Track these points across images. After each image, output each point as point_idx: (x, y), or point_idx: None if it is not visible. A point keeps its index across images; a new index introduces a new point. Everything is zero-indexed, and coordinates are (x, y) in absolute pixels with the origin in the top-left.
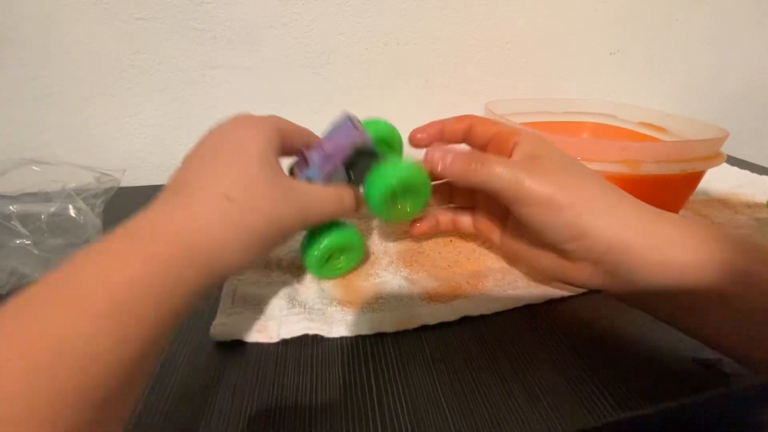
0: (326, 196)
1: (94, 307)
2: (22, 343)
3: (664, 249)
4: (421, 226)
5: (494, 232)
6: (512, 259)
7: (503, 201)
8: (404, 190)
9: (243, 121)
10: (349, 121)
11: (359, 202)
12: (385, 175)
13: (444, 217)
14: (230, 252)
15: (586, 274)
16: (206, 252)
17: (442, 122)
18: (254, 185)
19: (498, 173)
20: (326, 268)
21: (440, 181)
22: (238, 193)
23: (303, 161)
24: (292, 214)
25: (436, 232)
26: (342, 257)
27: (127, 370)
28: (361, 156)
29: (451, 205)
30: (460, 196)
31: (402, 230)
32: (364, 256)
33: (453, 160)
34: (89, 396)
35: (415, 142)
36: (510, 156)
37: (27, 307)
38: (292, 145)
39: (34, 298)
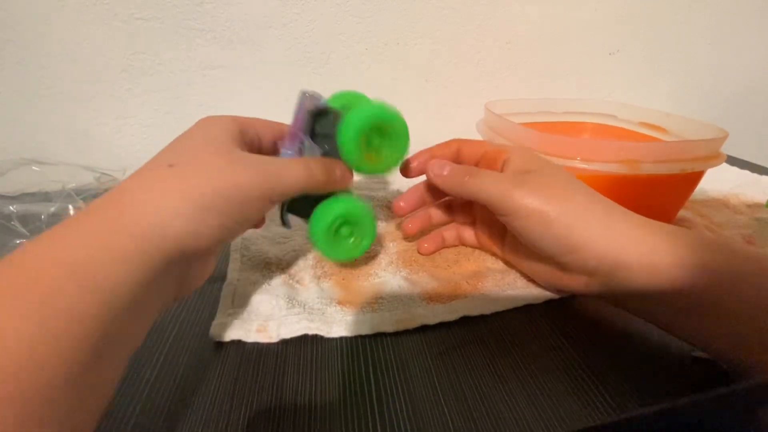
0: (291, 163)
1: (18, 303)
2: None
3: (652, 256)
4: (428, 246)
5: (495, 246)
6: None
7: (495, 212)
8: (378, 133)
9: (201, 120)
10: (303, 95)
11: (338, 171)
12: (352, 117)
13: (449, 233)
14: (180, 218)
15: (583, 284)
16: (148, 221)
17: (430, 150)
18: (199, 153)
19: (488, 185)
20: (336, 244)
21: (442, 200)
22: (181, 160)
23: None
24: (250, 179)
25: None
26: (352, 234)
27: (76, 361)
28: (319, 119)
29: (455, 219)
30: (460, 213)
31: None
32: (375, 236)
33: (448, 172)
34: (20, 405)
35: (407, 172)
36: (501, 172)
37: None
38: (257, 135)
39: None
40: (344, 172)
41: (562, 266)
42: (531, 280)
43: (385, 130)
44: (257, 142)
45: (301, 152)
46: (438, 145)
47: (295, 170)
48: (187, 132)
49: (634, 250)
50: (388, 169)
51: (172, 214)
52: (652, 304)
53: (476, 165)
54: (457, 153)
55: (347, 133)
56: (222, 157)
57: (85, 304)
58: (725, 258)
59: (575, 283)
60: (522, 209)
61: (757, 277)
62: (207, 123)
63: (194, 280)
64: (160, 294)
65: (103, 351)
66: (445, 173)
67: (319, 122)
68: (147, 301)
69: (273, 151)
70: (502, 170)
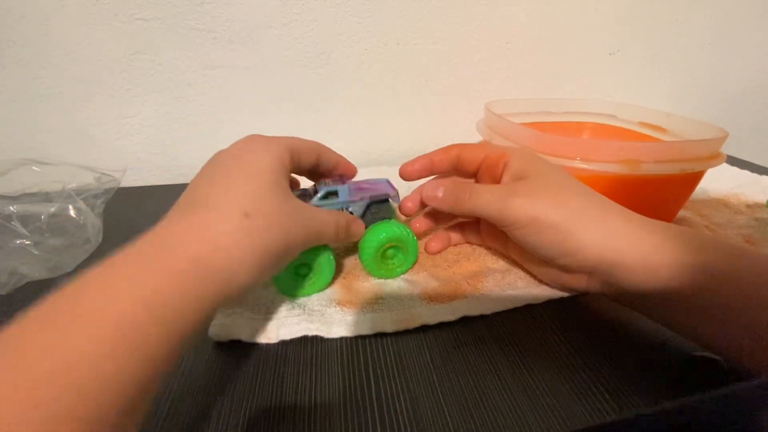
0: (329, 222)
1: (101, 331)
2: (23, 374)
3: (651, 255)
4: (435, 245)
5: (499, 245)
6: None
7: (495, 224)
8: (392, 247)
9: (254, 142)
10: (387, 181)
11: (354, 228)
12: (371, 236)
13: (455, 233)
14: (246, 271)
15: (585, 283)
16: (224, 271)
17: (429, 156)
18: (269, 204)
19: (485, 202)
20: (294, 283)
21: None
22: (255, 210)
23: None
24: (300, 235)
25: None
26: (310, 273)
27: (134, 394)
28: (381, 204)
29: (460, 219)
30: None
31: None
32: (332, 277)
33: (444, 194)
34: (94, 424)
35: (405, 176)
36: (500, 177)
37: (28, 331)
38: (300, 160)
39: (36, 321)
40: (358, 230)
41: (563, 267)
42: (531, 279)
43: (398, 247)
44: (298, 164)
45: (351, 201)
46: (437, 151)
47: (329, 230)
48: (242, 156)
49: (632, 250)
50: (397, 276)
51: (241, 267)
52: (653, 302)
53: (477, 170)
54: (456, 159)
55: (367, 249)
56: (286, 208)
57: (155, 336)
58: (725, 257)
59: (577, 282)
60: (518, 222)
61: (757, 276)
62: (262, 150)
63: None
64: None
65: (158, 374)
66: (440, 195)
67: (378, 205)
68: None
69: (311, 170)
70: (502, 173)
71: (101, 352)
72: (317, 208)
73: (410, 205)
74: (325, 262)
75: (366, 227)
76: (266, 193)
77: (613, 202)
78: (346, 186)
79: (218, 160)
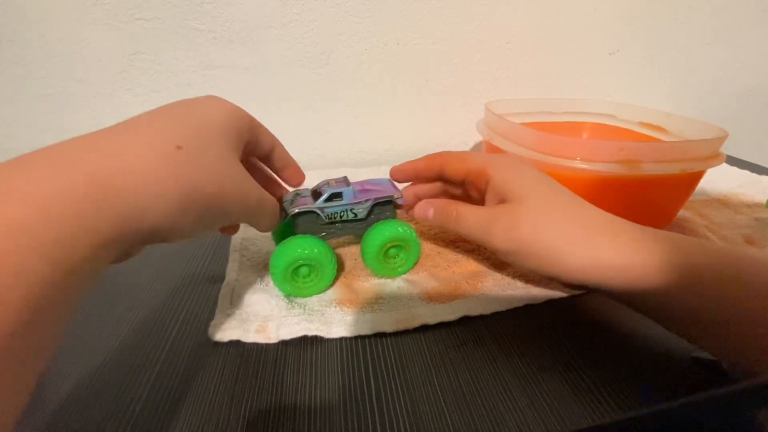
0: (266, 204)
1: None
2: None
3: (638, 278)
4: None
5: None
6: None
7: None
8: (394, 246)
9: (218, 100)
10: (390, 181)
11: (272, 219)
12: (373, 236)
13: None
14: (165, 206)
15: (577, 286)
16: (133, 196)
17: (414, 164)
18: (208, 147)
19: (468, 227)
20: (293, 283)
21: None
22: (190, 145)
23: (318, 194)
24: (233, 193)
25: (436, 231)
26: (311, 274)
27: (5, 342)
28: (384, 204)
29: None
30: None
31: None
32: (334, 277)
33: (433, 215)
34: None
35: (395, 179)
36: (485, 193)
37: None
38: (260, 142)
39: None
40: (270, 212)
41: (552, 279)
42: (531, 279)
43: (400, 246)
44: (256, 143)
45: (355, 203)
46: (421, 160)
47: (265, 215)
48: (200, 107)
49: (619, 266)
50: (399, 275)
51: (158, 197)
52: (646, 308)
53: (463, 182)
54: (440, 169)
55: (370, 248)
56: (224, 159)
57: (32, 271)
58: (718, 263)
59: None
60: (500, 250)
61: (753, 277)
62: (224, 112)
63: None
64: (108, 262)
65: (45, 320)
66: (430, 216)
67: (381, 206)
68: (99, 270)
69: (267, 156)
70: (485, 191)
71: None
72: (260, 189)
73: (408, 196)
74: (326, 263)
75: (369, 227)
76: (207, 139)
77: (600, 215)
78: (350, 188)
79: (173, 103)
